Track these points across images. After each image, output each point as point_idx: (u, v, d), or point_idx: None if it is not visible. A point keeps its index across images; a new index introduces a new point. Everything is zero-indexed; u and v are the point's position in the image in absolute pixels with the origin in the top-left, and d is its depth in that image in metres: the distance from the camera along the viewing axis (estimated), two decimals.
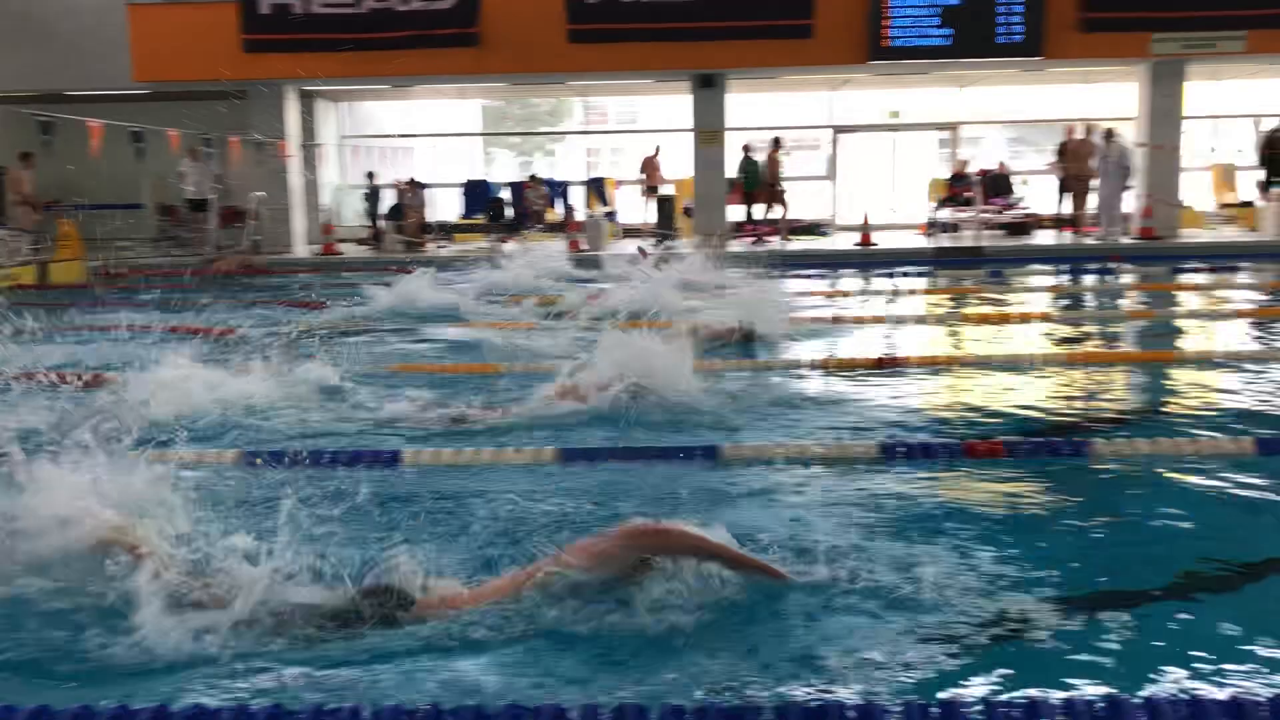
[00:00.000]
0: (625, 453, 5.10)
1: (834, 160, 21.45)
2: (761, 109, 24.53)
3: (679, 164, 20.20)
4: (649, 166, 20.01)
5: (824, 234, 20.43)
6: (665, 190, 20.27)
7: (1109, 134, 17.55)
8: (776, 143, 19.67)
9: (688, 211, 19.53)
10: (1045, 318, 10.10)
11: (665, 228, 19.00)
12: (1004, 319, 9.85)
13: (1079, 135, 18.81)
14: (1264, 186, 18.88)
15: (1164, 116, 17.85)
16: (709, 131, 18.34)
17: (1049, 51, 17.00)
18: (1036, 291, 12.63)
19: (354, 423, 5.80)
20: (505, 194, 20.55)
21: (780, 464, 4.92)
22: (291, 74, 17.52)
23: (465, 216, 20.74)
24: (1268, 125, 19.51)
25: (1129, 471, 4.88)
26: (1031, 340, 8.68)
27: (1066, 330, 9.25)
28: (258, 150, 17.87)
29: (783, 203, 19.57)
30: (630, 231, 20.89)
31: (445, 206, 20.52)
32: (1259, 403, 6.29)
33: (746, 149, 19.29)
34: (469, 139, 23.83)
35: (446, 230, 19.46)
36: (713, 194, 18.52)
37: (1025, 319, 9.86)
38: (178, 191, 18.27)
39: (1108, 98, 20.75)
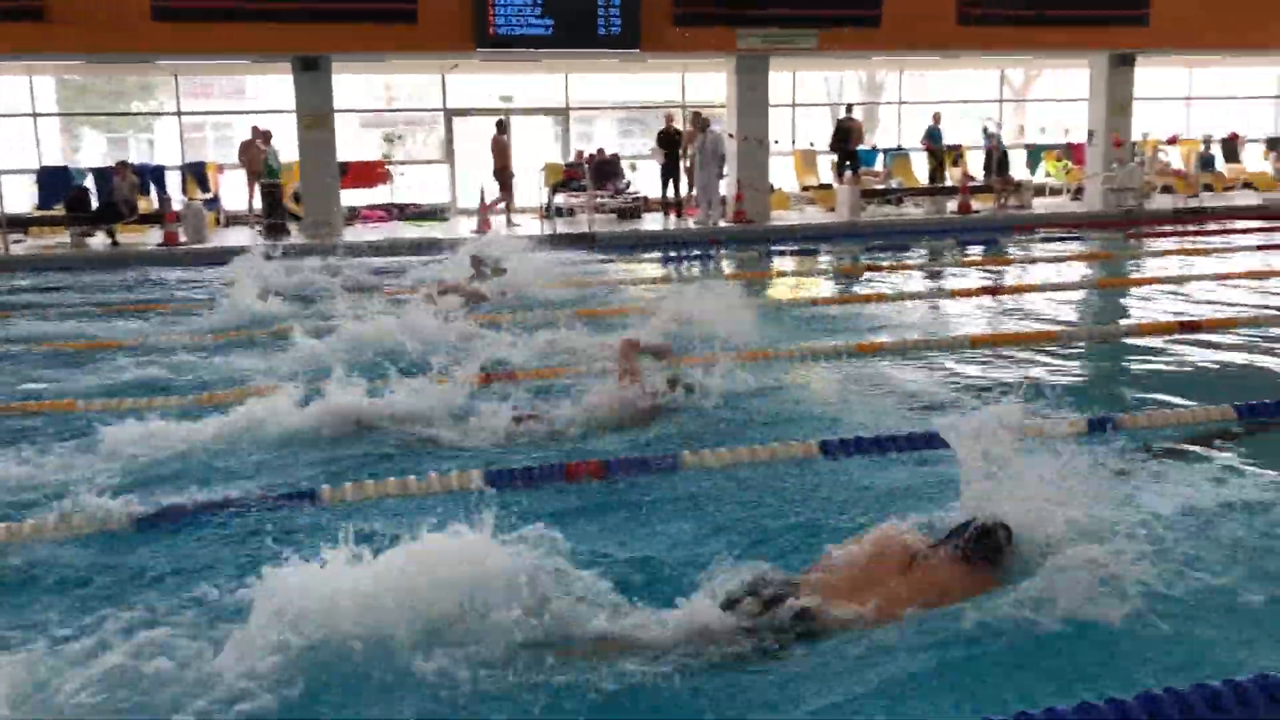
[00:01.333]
0: None
1: (449, 144, 21.31)
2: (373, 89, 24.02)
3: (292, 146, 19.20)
4: (247, 150, 18.86)
5: (444, 219, 20.32)
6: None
7: (704, 123, 18.63)
8: (500, 126, 19.41)
9: (297, 198, 18.71)
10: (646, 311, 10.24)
11: (273, 216, 18.08)
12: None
13: (677, 124, 19.86)
14: (839, 170, 20.86)
15: (752, 106, 19.18)
16: (314, 115, 17.60)
17: (646, 44, 17.73)
18: (645, 283, 13.07)
19: None
20: (90, 182, 18.70)
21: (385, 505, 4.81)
22: None
23: (41, 208, 18.70)
24: (840, 114, 21.56)
25: (714, 482, 5.12)
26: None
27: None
28: None
29: (508, 186, 19.35)
30: (235, 220, 19.73)
31: (16, 197, 18.35)
32: (829, 400, 6.80)
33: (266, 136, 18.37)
34: (44, 120, 21.39)
35: (19, 224, 17.43)
36: (322, 180, 17.81)
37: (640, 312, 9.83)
38: None
39: (712, 86, 21.98)
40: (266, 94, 22.17)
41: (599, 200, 19.42)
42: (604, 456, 5.40)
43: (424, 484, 5.03)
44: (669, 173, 20.04)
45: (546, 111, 22.64)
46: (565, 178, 20.38)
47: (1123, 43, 19.65)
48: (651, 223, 19.38)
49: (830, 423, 6.07)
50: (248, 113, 21.41)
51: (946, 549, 3.59)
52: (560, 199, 20.08)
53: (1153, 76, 22.50)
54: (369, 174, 20.49)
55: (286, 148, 18.31)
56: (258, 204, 18.54)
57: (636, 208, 20.17)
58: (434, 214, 20.52)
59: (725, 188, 19.13)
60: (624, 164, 21.57)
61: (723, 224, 18.45)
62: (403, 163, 21.66)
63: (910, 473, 5.16)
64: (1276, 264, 12.65)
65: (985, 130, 21.81)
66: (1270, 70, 25.15)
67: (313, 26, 16.60)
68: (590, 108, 23.67)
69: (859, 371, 7.55)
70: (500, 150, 19.17)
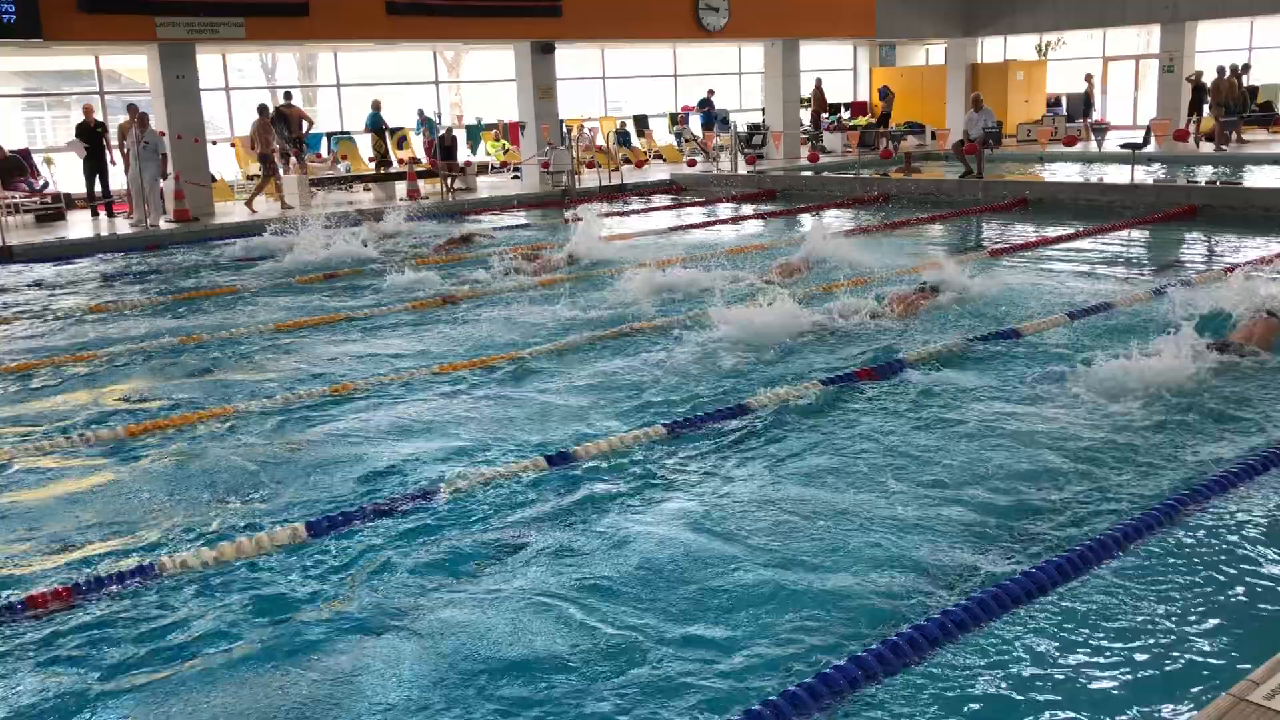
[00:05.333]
0: None
1: None
2: None
3: None
4: None
5: None
6: None
7: (144, 119, 17.17)
8: (262, 110, 18.84)
9: None
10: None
11: None
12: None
13: (97, 115, 18.28)
14: (284, 158, 20.43)
15: (181, 95, 18.14)
16: None
17: (51, 33, 16.05)
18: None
19: None
20: None
21: None
22: None
23: None
24: (280, 100, 21.05)
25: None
26: None
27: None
28: None
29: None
30: None
31: None
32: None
33: None
34: None
35: None
36: None
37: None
38: None
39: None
40: None
41: (9, 201, 17.39)
42: None
43: None
44: (94, 167, 18.42)
45: None
46: None
47: (541, 33, 21.17)
48: (79, 225, 17.68)
49: None
50: None
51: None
52: None
53: (572, 57, 24.51)
54: None
55: None
56: None
57: (60, 209, 18.29)
58: None
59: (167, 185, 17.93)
60: (37, 158, 19.38)
61: (164, 225, 17.32)
62: None
63: None
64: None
65: (422, 115, 22.49)
66: (666, 52, 28.38)
67: None
68: None
69: None
70: (262, 132, 18.78)
